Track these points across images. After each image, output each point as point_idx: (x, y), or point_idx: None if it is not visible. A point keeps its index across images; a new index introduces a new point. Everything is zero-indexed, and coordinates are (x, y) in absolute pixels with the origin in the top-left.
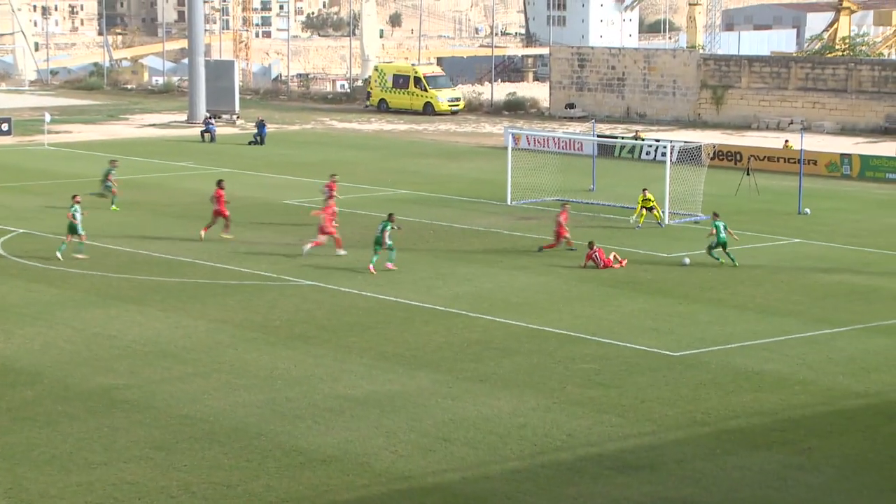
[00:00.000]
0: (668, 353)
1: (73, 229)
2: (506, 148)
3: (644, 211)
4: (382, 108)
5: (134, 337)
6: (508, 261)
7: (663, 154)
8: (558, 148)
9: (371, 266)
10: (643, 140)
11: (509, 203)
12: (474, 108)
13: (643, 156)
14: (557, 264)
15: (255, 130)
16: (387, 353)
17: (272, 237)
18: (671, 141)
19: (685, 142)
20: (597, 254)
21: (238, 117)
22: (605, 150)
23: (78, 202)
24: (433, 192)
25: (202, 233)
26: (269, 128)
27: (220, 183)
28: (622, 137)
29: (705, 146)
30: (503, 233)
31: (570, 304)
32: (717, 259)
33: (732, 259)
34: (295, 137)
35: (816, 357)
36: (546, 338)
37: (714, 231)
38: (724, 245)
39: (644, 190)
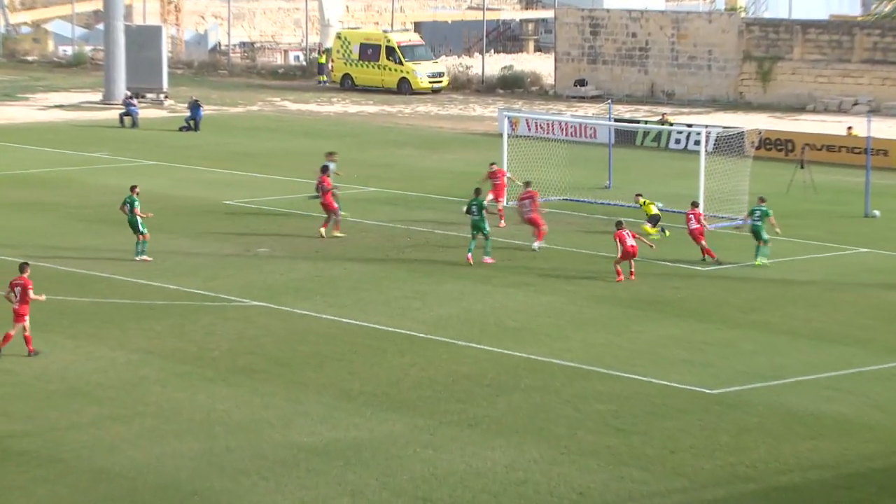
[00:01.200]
0: (703, 390)
1: (133, 225)
2: (500, 135)
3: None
4: (346, 85)
5: (35, 372)
6: (504, 276)
7: (697, 143)
8: (566, 135)
9: (469, 255)
10: (671, 125)
11: (505, 204)
12: (461, 85)
13: (672, 144)
14: (565, 278)
15: (188, 113)
16: (352, 392)
17: (210, 246)
18: (706, 126)
19: (724, 127)
20: (627, 234)
21: (166, 97)
22: (625, 138)
23: (137, 193)
24: (410, 191)
25: (321, 230)
26: (206, 110)
27: (324, 169)
28: (645, 122)
29: (749, 133)
30: (497, 241)
31: (582, 330)
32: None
33: (758, 256)
34: (237, 122)
35: (889, 396)
36: (551, 372)
37: (749, 216)
38: (756, 234)
39: (638, 195)
